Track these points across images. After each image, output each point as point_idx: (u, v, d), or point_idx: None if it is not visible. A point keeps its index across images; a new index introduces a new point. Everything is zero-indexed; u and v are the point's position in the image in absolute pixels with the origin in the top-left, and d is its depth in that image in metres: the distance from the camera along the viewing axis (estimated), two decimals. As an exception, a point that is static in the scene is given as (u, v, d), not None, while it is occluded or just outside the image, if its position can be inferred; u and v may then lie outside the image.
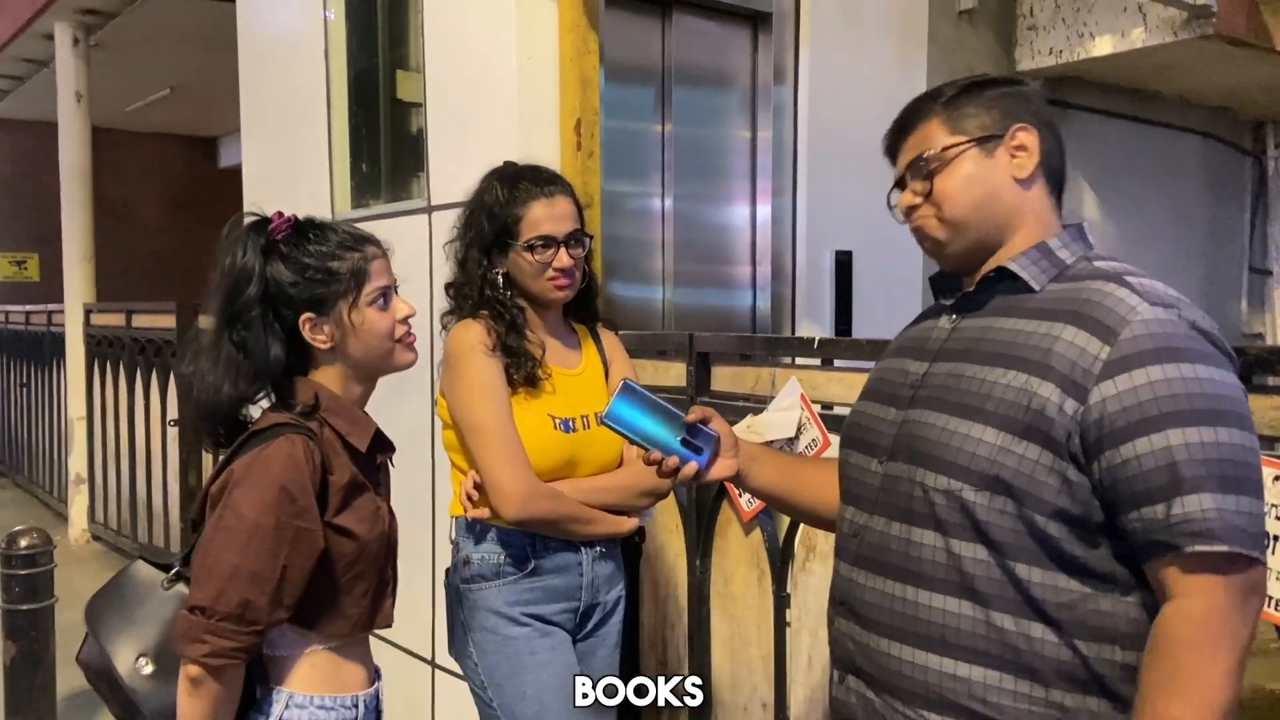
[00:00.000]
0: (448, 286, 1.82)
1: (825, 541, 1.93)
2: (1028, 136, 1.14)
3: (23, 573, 2.69)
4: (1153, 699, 0.97)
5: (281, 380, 1.40)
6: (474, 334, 1.71)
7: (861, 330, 3.15)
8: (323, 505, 1.34)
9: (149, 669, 1.39)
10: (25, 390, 7.18)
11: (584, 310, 1.90)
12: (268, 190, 3.79)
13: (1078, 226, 1.16)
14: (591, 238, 1.83)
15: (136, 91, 8.03)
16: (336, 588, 1.37)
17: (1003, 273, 1.13)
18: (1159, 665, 0.97)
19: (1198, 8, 3.46)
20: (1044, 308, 1.08)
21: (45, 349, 6.65)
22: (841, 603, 1.20)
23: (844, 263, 3.14)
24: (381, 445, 1.48)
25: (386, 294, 1.43)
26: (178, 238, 9.35)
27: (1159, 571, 0.99)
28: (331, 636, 1.40)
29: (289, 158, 3.67)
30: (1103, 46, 3.82)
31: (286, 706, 1.36)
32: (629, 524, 1.80)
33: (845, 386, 1.92)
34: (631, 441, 1.27)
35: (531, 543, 1.73)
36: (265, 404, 1.42)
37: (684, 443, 1.26)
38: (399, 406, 2.42)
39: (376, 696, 1.49)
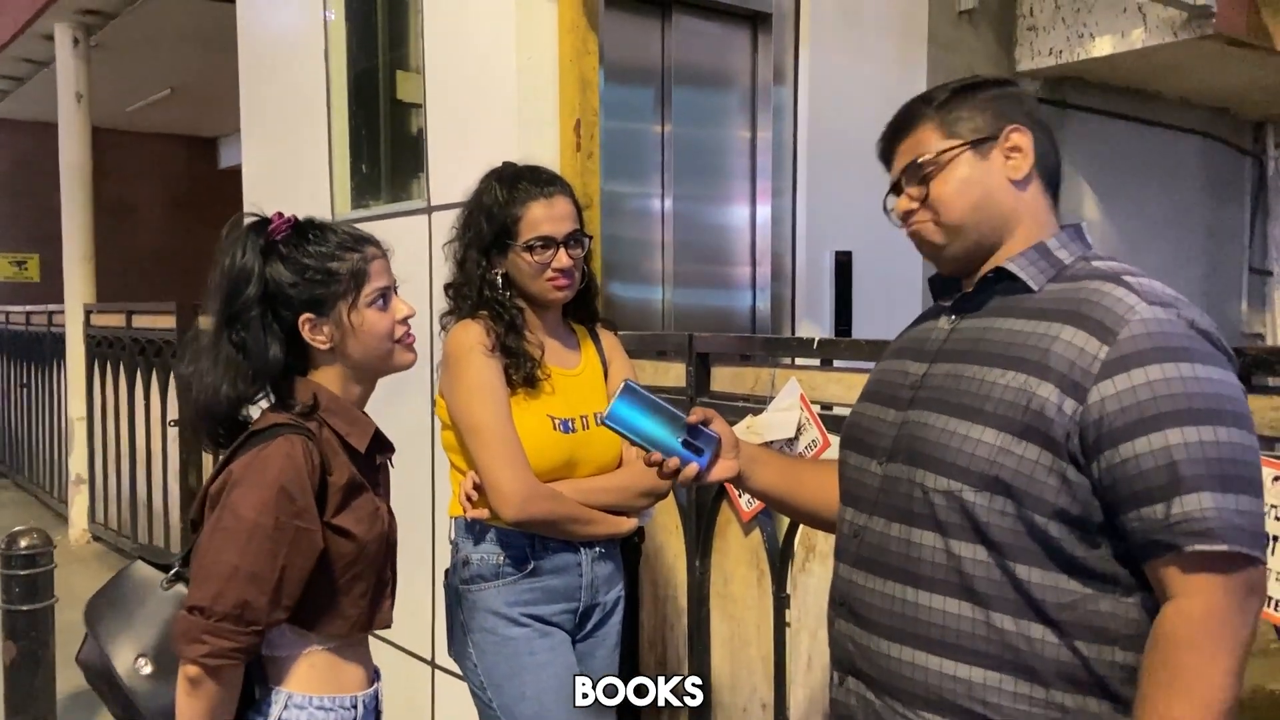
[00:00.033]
0: (447, 287, 1.82)
1: (825, 542, 1.93)
2: (1021, 137, 1.14)
3: (23, 573, 2.69)
4: (1153, 699, 0.97)
5: (281, 381, 1.40)
6: (473, 334, 1.71)
7: (861, 331, 3.14)
8: (322, 506, 1.34)
9: (148, 669, 1.39)
10: (25, 390, 7.17)
11: (583, 311, 1.90)
12: (268, 191, 3.79)
13: (1075, 227, 1.16)
14: (591, 238, 1.83)
15: (136, 92, 8.03)
16: (335, 588, 1.37)
17: (1001, 273, 1.13)
18: (1159, 665, 0.97)
19: (1198, 8, 3.46)
20: (1043, 308, 1.08)
21: (45, 349, 6.64)
22: (841, 604, 1.20)
23: (844, 263, 3.15)
24: (381, 446, 1.48)
25: (386, 295, 1.43)
26: (178, 238, 9.36)
27: (1159, 571, 0.98)
28: (330, 637, 1.40)
29: (289, 158, 3.67)
30: (1103, 47, 3.82)
31: (285, 707, 1.36)
32: (628, 524, 1.80)
33: (845, 387, 1.92)
34: (632, 443, 1.27)
35: (531, 543, 1.73)
36: (265, 404, 1.42)
37: (685, 444, 1.26)
38: (398, 407, 2.42)
39: (376, 697, 1.49)
